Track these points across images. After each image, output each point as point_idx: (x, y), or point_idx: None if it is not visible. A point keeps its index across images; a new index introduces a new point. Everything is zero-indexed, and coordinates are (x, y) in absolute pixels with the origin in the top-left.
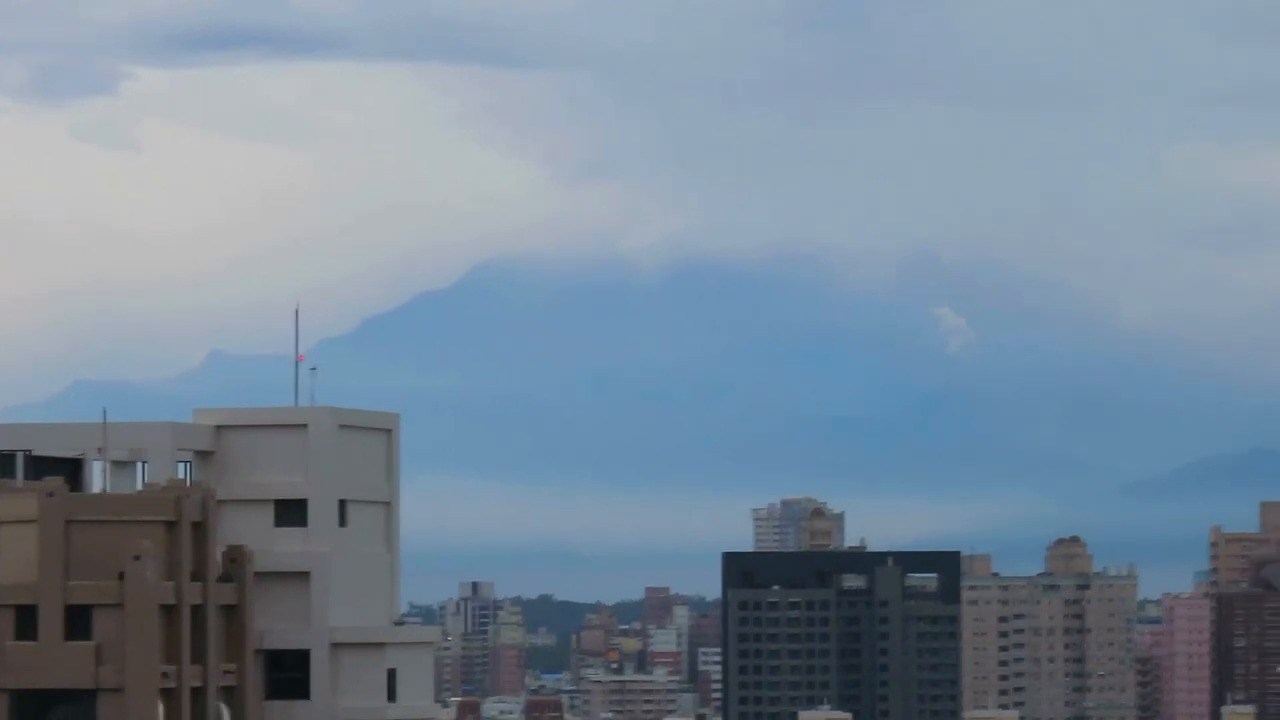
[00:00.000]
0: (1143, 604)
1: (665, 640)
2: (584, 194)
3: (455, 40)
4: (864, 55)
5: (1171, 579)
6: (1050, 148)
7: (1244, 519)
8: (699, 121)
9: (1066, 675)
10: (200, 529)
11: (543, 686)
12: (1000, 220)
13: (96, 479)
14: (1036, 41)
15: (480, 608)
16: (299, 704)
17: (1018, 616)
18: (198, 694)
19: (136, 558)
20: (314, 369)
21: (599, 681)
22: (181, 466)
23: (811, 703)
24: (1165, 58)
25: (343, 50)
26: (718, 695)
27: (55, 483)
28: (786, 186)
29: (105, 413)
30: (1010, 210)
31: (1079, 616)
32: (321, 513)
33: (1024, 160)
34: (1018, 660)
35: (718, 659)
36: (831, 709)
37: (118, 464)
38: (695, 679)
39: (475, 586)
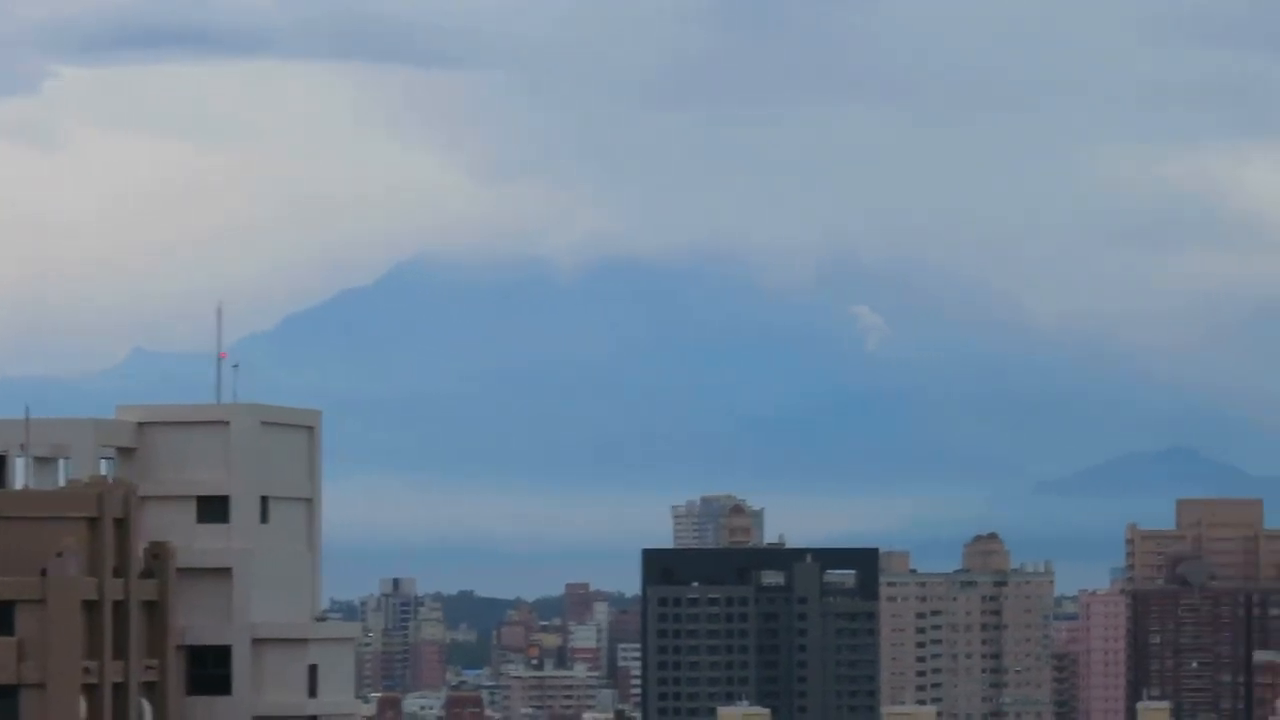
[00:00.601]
0: (1059, 600)
1: (585, 636)
2: (506, 192)
3: (377, 39)
4: (785, 55)
5: (1088, 576)
6: (969, 147)
7: (1160, 516)
8: (621, 121)
9: (984, 671)
10: (122, 525)
11: (463, 682)
12: (919, 220)
13: (19, 475)
14: (956, 42)
15: (401, 604)
16: (220, 700)
17: (935, 613)
18: (120, 690)
19: (59, 554)
20: (236, 366)
21: (519, 677)
22: (104, 463)
23: (730, 698)
24: (1085, 58)
25: (265, 49)
26: (637, 691)
27: None
28: (707, 186)
29: (27, 409)
30: (929, 210)
31: (996, 613)
32: (243, 509)
33: (943, 160)
34: (935, 656)
35: (637, 655)
36: (750, 705)
37: (40, 460)
38: (615, 675)
39: (396, 583)
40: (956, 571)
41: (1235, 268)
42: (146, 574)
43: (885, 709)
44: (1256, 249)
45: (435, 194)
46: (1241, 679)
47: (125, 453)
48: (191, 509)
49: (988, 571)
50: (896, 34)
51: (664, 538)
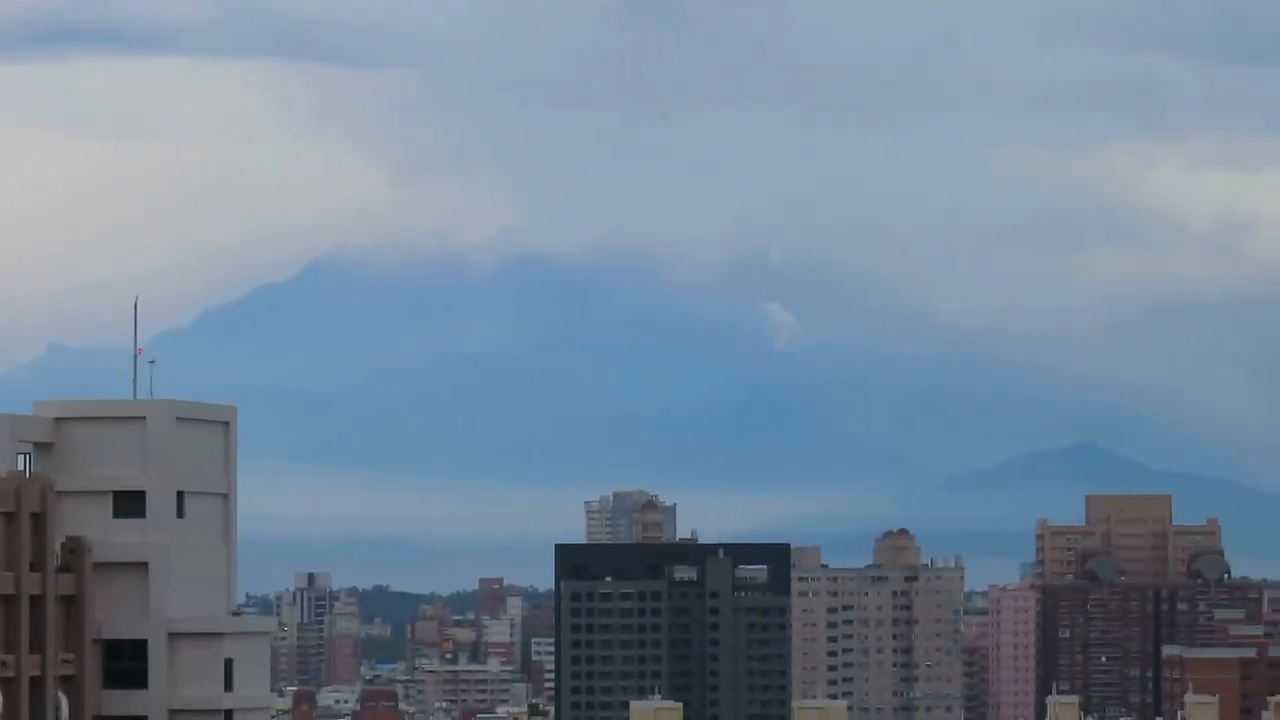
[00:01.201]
0: (969, 596)
1: (499, 631)
2: (418, 190)
3: (290, 37)
4: (694, 54)
5: (997, 571)
6: (878, 147)
7: (1069, 512)
8: (532, 118)
9: (894, 666)
10: (39, 520)
11: (378, 676)
12: (828, 218)
13: None
14: (866, 42)
15: (317, 598)
16: (137, 693)
17: (846, 608)
18: (36, 683)
19: None
20: (152, 362)
21: (433, 671)
22: (21, 458)
23: (643, 693)
24: (991, 58)
25: (178, 47)
26: (550, 685)
27: None
28: (618, 184)
29: None
30: (839, 208)
31: (907, 608)
32: (159, 504)
33: (852, 159)
34: (846, 651)
35: (550, 649)
36: (662, 699)
37: None
38: (528, 669)
39: (312, 577)
40: (867, 567)
41: (1141, 266)
42: (63, 569)
43: (796, 703)
44: (1162, 247)
45: (350, 191)
46: (1150, 673)
47: (42, 448)
48: (108, 504)
49: (898, 567)
50: (806, 34)
51: (577, 533)
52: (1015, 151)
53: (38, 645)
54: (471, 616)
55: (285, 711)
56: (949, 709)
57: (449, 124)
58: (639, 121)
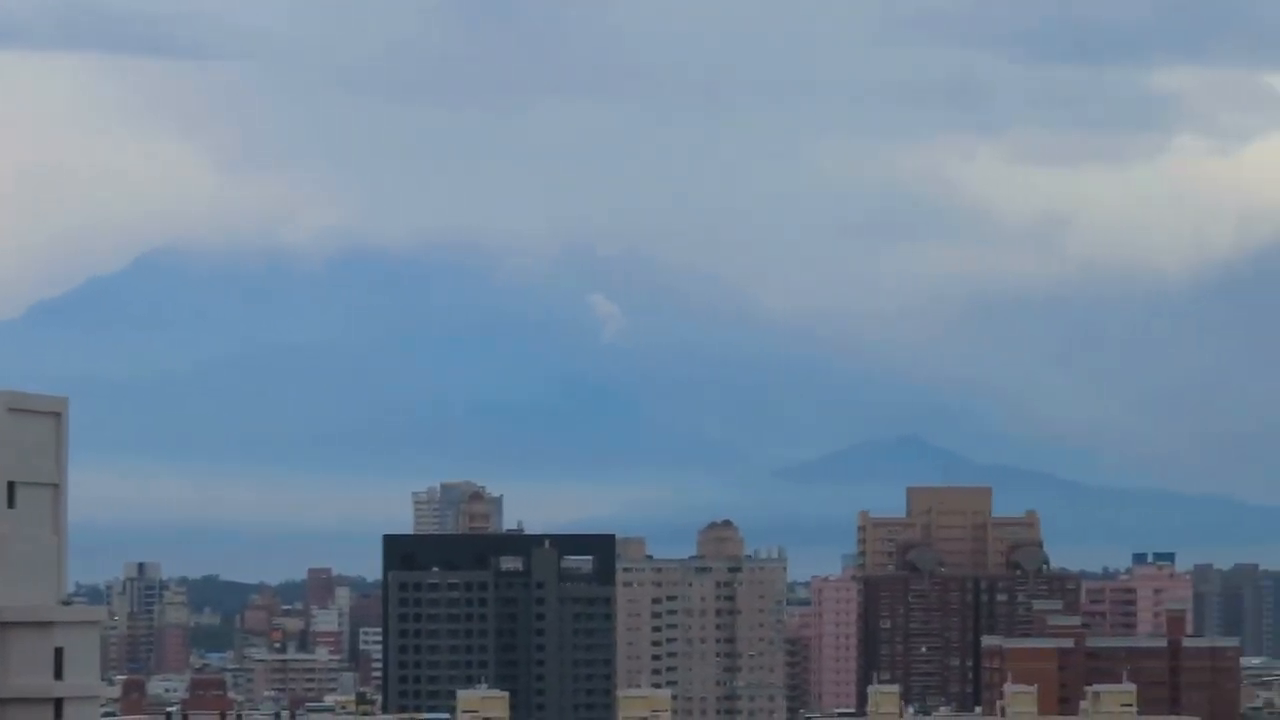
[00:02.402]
0: (792, 587)
1: (327, 620)
2: (248, 182)
3: (118, 31)
4: (523, 48)
5: (820, 563)
6: (704, 141)
7: (891, 504)
8: (360, 112)
9: (718, 656)
10: None
11: (206, 665)
12: (654, 212)
13: None
14: (690, 37)
15: (146, 588)
16: None
17: (670, 598)
18: None
19: None
20: None
21: (262, 661)
22: None
23: (470, 682)
24: (814, 54)
25: (6, 39)
26: (378, 675)
27: None
28: (446, 178)
29: None
30: (666, 202)
31: (730, 598)
32: None
33: (678, 153)
34: (671, 641)
35: (378, 639)
36: (489, 688)
37: None
38: (356, 659)
39: (141, 567)
40: (691, 558)
41: (962, 261)
42: None
43: (621, 692)
44: (983, 242)
45: (180, 184)
46: (970, 663)
47: None
48: None
49: (722, 558)
50: (633, 27)
51: (404, 523)
52: (839, 146)
53: None
54: (300, 606)
55: (115, 700)
56: (771, 698)
57: (279, 117)
58: (468, 115)
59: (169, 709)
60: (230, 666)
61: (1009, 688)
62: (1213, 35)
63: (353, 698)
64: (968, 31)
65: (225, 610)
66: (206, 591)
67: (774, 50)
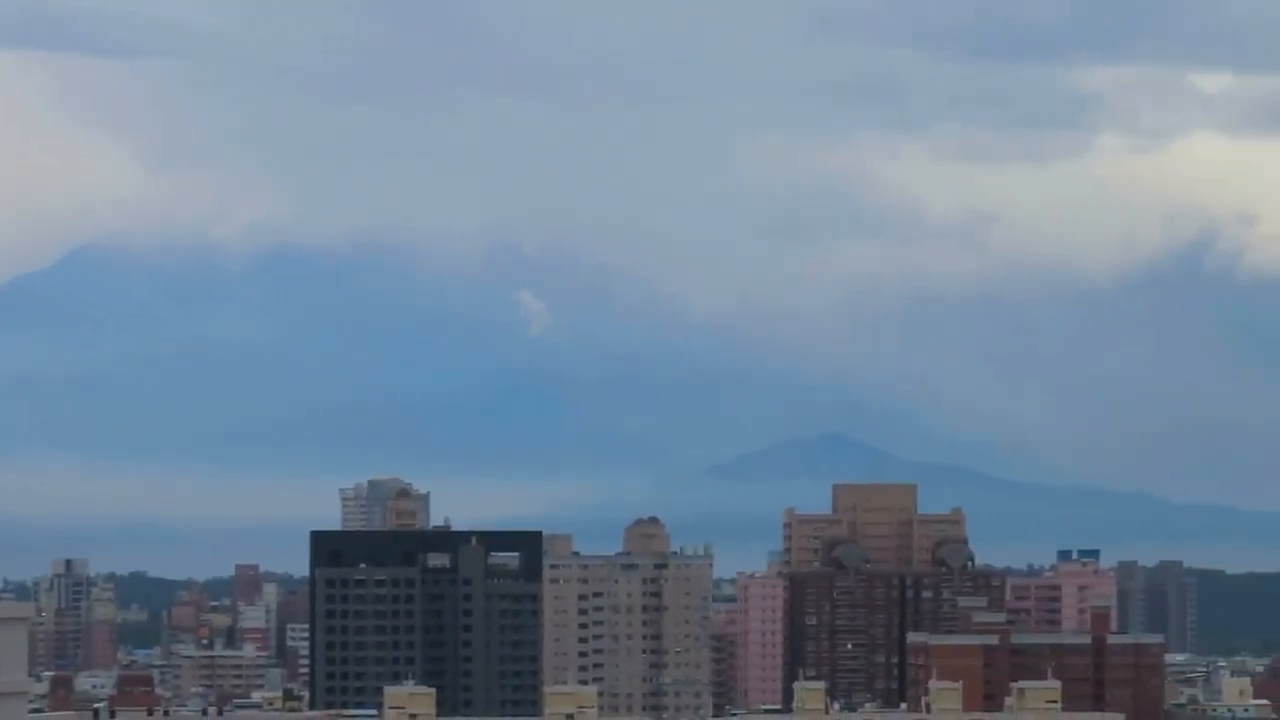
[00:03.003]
0: (718, 583)
1: (254, 617)
2: (177, 180)
3: (47, 27)
4: (448, 47)
5: (746, 559)
6: (629, 138)
7: (816, 502)
8: (288, 110)
9: (644, 652)
10: None
11: (134, 662)
12: (581, 210)
13: None
14: (618, 35)
15: (74, 584)
16: None
17: (597, 595)
18: None
19: None
20: None
21: (189, 657)
22: None
23: (397, 678)
24: (740, 51)
25: None
26: (305, 671)
27: None
28: (375, 175)
29: None
30: (591, 200)
31: (657, 595)
32: None
33: (605, 152)
34: (597, 638)
35: (305, 635)
36: (416, 684)
37: None
38: (284, 655)
39: (69, 563)
40: (618, 554)
41: (886, 259)
42: None
43: (548, 689)
44: (907, 241)
45: (109, 181)
46: (895, 660)
47: None
48: None
49: (648, 554)
50: (560, 26)
51: (332, 520)
52: (762, 144)
53: None
54: (227, 602)
55: (43, 696)
56: (698, 695)
57: (208, 114)
58: (396, 114)
59: (96, 705)
60: (158, 663)
61: (934, 684)
62: (1134, 34)
63: (280, 694)
64: (888, 30)
65: (153, 607)
66: (134, 588)
67: (698, 49)
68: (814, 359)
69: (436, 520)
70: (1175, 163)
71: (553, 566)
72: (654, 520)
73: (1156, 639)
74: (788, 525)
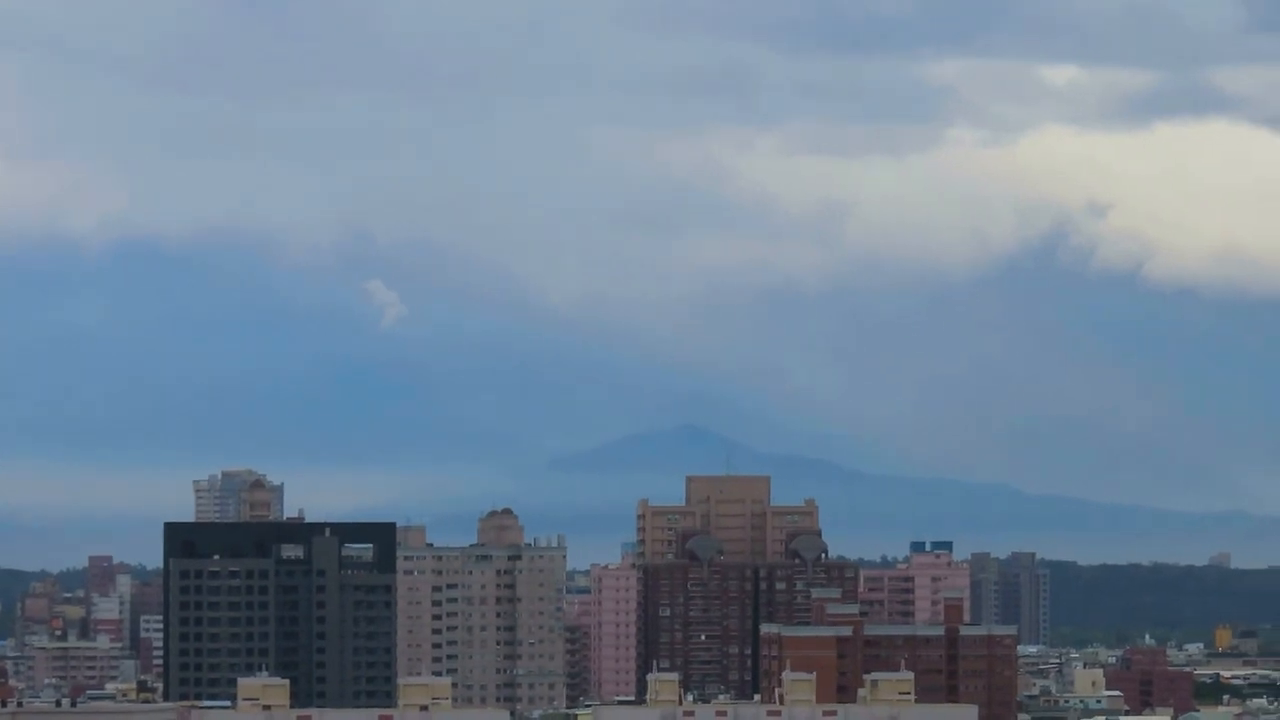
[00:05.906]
0: (572, 575)
1: (108, 608)
2: (23, 172)
3: None
4: (302, 38)
5: (600, 551)
6: (483, 132)
7: (670, 493)
8: (138, 103)
9: (498, 644)
10: None
11: None
12: (434, 201)
13: None
14: (468, 27)
15: None
16: None
17: (451, 586)
18: None
19: None
20: None
21: (43, 648)
22: None
23: (251, 669)
24: (592, 44)
25: None
26: (159, 662)
27: None
28: (226, 168)
29: None
30: (444, 192)
31: (510, 586)
32: None
33: (457, 143)
34: (451, 629)
35: (159, 627)
36: (270, 675)
37: None
38: (137, 646)
39: None
40: (472, 546)
41: (739, 252)
42: None
43: (402, 680)
44: (760, 234)
45: None
46: (748, 651)
47: None
48: None
49: (502, 546)
50: (410, 17)
51: (185, 511)
52: (614, 137)
53: None
54: (81, 594)
55: None
56: (551, 686)
57: (59, 105)
58: (247, 106)
59: None
60: (11, 654)
61: (787, 675)
62: (983, 27)
63: (134, 685)
64: (741, 23)
65: (6, 598)
66: None
67: (548, 41)
68: (668, 351)
69: (290, 512)
70: (1026, 155)
71: (406, 558)
72: (508, 512)
73: (1009, 630)
74: (641, 517)
